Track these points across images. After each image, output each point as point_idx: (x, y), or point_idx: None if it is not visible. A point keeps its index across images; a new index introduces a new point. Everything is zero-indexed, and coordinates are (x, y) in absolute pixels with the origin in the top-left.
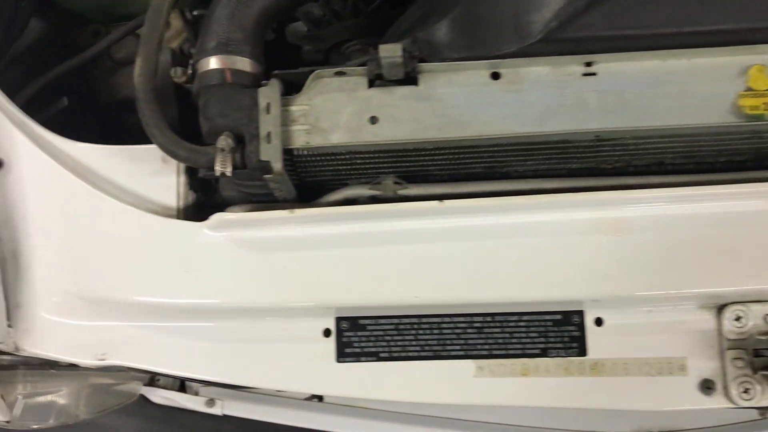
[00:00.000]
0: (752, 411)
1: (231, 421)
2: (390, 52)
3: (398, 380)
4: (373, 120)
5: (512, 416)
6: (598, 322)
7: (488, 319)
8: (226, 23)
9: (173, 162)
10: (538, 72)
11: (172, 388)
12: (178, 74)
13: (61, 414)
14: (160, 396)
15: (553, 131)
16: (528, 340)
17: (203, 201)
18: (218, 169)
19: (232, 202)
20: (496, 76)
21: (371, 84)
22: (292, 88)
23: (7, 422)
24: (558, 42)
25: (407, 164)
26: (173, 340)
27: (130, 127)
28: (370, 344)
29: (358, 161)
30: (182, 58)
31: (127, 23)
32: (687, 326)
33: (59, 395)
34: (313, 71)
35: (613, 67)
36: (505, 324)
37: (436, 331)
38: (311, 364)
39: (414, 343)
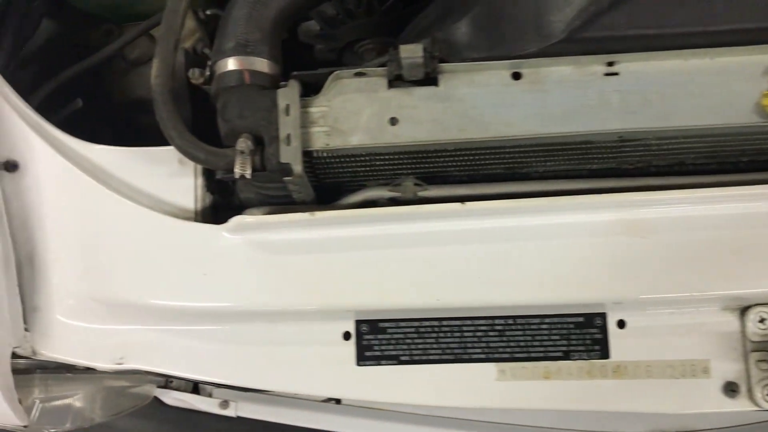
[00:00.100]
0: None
1: (245, 422)
2: (411, 52)
3: (419, 384)
4: (393, 121)
5: (525, 416)
6: (621, 324)
7: (510, 321)
8: (243, 24)
9: (190, 164)
10: (559, 72)
11: (185, 390)
12: (195, 76)
13: (77, 417)
14: (173, 398)
15: (575, 132)
16: (550, 343)
17: (220, 203)
18: (238, 171)
19: (249, 204)
20: (517, 76)
21: (390, 85)
22: (309, 89)
23: (25, 427)
24: (580, 42)
25: (427, 165)
26: (192, 343)
27: (144, 127)
28: (391, 347)
29: (378, 163)
30: (195, 59)
31: (141, 23)
32: (710, 328)
33: (75, 399)
34: (332, 72)
35: (635, 66)
36: (526, 327)
37: (457, 334)
38: (331, 368)
39: (435, 346)
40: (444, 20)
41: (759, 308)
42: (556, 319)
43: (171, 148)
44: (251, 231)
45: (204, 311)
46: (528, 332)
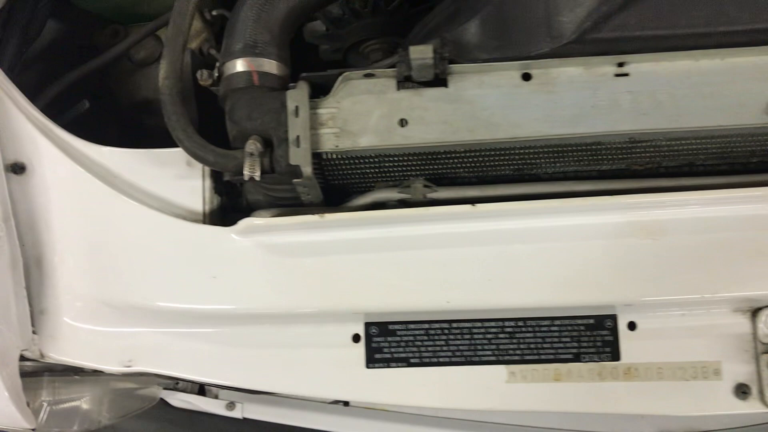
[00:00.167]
0: None
1: (251, 424)
2: (421, 53)
3: (429, 386)
4: (403, 122)
5: (533, 417)
6: (631, 326)
7: (520, 323)
8: (252, 25)
9: (198, 165)
10: (569, 73)
11: (191, 392)
12: (204, 77)
13: (84, 420)
14: (179, 399)
15: (585, 133)
16: (560, 345)
17: (227, 205)
18: (247, 173)
19: (257, 206)
20: (527, 77)
21: (400, 86)
22: (318, 90)
23: (33, 430)
24: (591, 42)
25: (435, 167)
26: (201, 346)
27: (150, 129)
28: (401, 350)
29: (387, 164)
30: (202, 60)
31: (148, 24)
32: (721, 330)
33: (82, 401)
34: (341, 73)
35: (645, 67)
36: (537, 329)
37: (467, 337)
38: (340, 370)
39: (445, 348)
40: (453, 21)
41: None
42: (566, 321)
43: (179, 149)
44: (260, 233)
45: (213, 314)
46: (538, 334)
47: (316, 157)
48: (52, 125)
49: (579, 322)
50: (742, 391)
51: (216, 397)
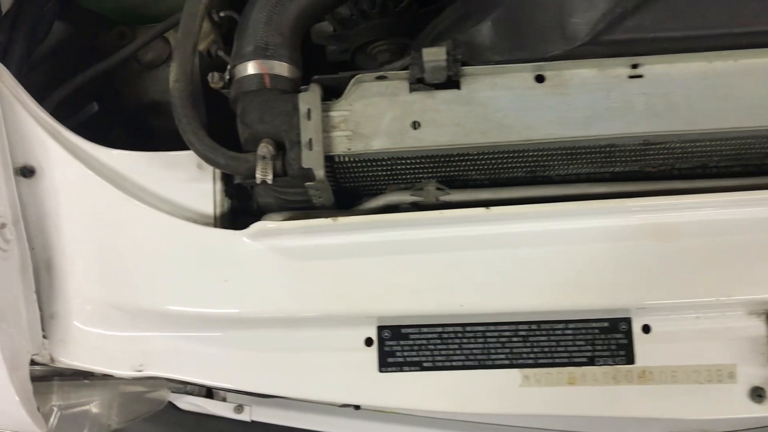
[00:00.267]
0: None
1: (259, 427)
2: (434, 55)
3: (442, 390)
4: (416, 125)
5: (544, 420)
6: (646, 329)
7: (534, 327)
8: (263, 27)
9: (209, 168)
10: (583, 75)
11: (199, 395)
12: (215, 80)
13: (94, 424)
14: (187, 402)
15: (599, 135)
16: (574, 348)
17: (237, 208)
18: (259, 176)
19: (268, 209)
20: (540, 79)
21: (412, 88)
22: (329, 93)
23: None
24: (605, 44)
25: (448, 169)
26: (213, 350)
27: (157, 131)
28: (414, 353)
29: (399, 167)
30: (210, 61)
31: (155, 25)
32: (736, 333)
33: (92, 405)
34: (353, 75)
35: (659, 69)
36: (551, 332)
37: (480, 340)
38: (353, 374)
39: (458, 352)
40: (464, 22)
41: None
42: (580, 325)
43: (189, 152)
44: (272, 237)
45: (225, 317)
46: (552, 338)
47: (329, 160)
48: (61, 128)
49: (593, 325)
50: (757, 394)
51: (224, 399)
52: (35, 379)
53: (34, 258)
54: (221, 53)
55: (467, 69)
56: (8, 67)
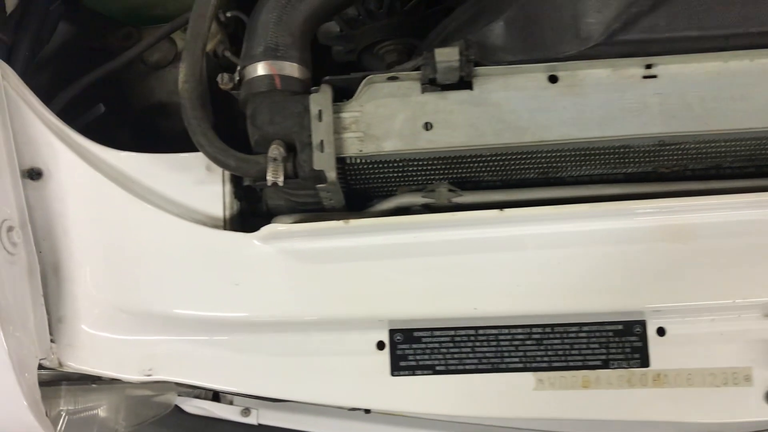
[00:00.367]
0: None
1: (267, 430)
2: (447, 56)
3: (455, 394)
4: (428, 126)
5: (558, 425)
6: (660, 332)
7: (547, 330)
8: (273, 28)
9: (218, 170)
10: (597, 75)
11: (205, 398)
12: (224, 81)
13: (102, 428)
14: (194, 406)
15: (615, 136)
16: (589, 352)
17: (246, 210)
18: (270, 178)
19: (277, 212)
20: (553, 79)
21: (424, 89)
22: (339, 94)
23: None
24: (619, 44)
25: (459, 170)
26: (223, 354)
27: (164, 132)
28: (426, 357)
29: (411, 168)
30: (216, 62)
31: (161, 26)
32: (752, 335)
33: (100, 409)
34: (364, 76)
35: (673, 69)
36: (564, 335)
37: (493, 343)
38: (365, 378)
39: (471, 355)
40: (476, 22)
41: None
42: (594, 327)
43: (198, 154)
44: (284, 239)
45: (236, 321)
46: (566, 341)
47: (340, 161)
48: (68, 130)
49: (607, 328)
50: None
51: (231, 403)
52: (43, 383)
53: (42, 261)
54: (228, 54)
55: (480, 69)
56: (13, 68)
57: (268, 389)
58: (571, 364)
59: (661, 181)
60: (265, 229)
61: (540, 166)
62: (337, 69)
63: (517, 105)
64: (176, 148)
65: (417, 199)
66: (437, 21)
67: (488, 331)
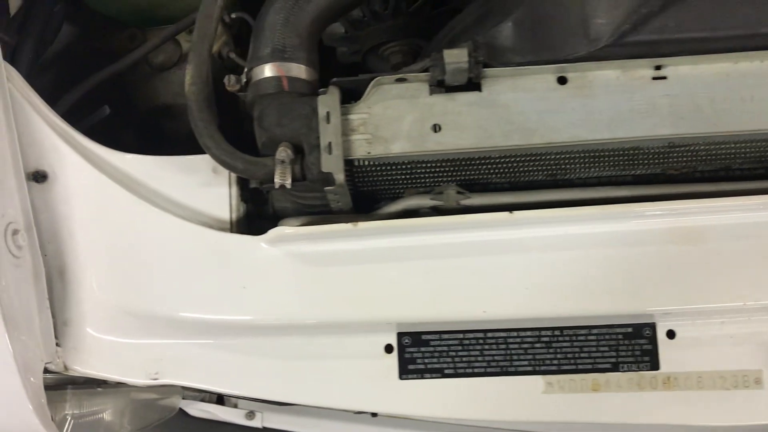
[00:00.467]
0: None
1: None
2: (456, 57)
3: (464, 397)
4: (436, 128)
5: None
6: (670, 334)
7: (557, 333)
8: (280, 29)
9: (225, 172)
10: (606, 76)
11: (210, 401)
12: (231, 83)
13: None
14: (198, 409)
15: (624, 138)
16: (598, 354)
17: (252, 212)
18: (278, 181)
19: (284, 214)
20: (562, 80)
21: (432, 90)
22: (347, 96)
23: None
24: (629, 45)
25: (468, 172)
26: (230, 358)
27: (168, 134)
28: (434, 360)
29: (419, 170)
30: (221, 63)
31: (165, 27)
32: (762, 338)
33: (105, 413)
34: (372, 78)
35: (683, 70)
36: (574, 338)
37: (502, 347)
38: (373, 382)
39: (480, 358)
40: (483, 23)
41: None
42: (604, 330)
43: (204, 156)
44: (291, 242)
45: (243, 325)
46: (576, 344)
47: (348, 164)
48: (73, 132)
49: (617, 330)
50: None
51: (235, 406)
52: (48, 387)
53: (47, 264)
54: (233, 55)
55: (488, 71)
56: (17, 70)
57: (276, 393)
58: (581, 367)
59: (670, 183)
60: (273, 232)
61: (548, 167)
62: (341, 70)
63: (525, 106)
64: (181, 150)
65: (425, 201)
66: (442, 22)
67: (497, 334)
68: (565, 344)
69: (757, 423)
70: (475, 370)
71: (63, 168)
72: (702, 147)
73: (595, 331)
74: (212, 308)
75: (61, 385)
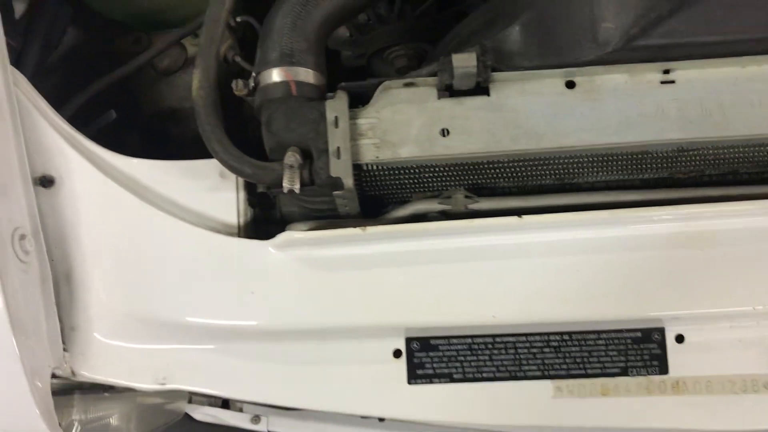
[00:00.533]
0: None
1: None
2: (464, 61)
3: (473, 402)
4: (444, 132)
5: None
6: (679, 339)
7: (566, 337)
8: (288, 33)
9: (232, 177)
10: (614, 80)
11: (215, 405)
12: (239, 87)
13: None
14: (203, 413)
15: (633, 142)
16: (607, 359)
17: (260, 216)
18: (287, 186)
19: (291, 218)
20: (571, 84)
21: (440, 95)
22: (355, 100)
23: None
24: (638, 49)
25: (476, 177)
26: (238, 363)
27: (174, 138)
28: (443, 365)
29: (427, 175)
30: (227, 67)
31: (171, 31)
32: None
33: (112, 418)
34: (380, 82)
35: (691, 74)
36: (583, 343)
37: (511, 351)
38: (381, 387)
39: (489, 363)
40: (491, 27)
41: None
42: (613, 335)
43: (211, 160)
44: (300, 247)
45: (252, 330)
46: (584, 348)
47: (356, 168)
48: (80, 137)
49: (626, 335)
50: None
51: (240, 410)
52: (56, 392)
53: (54, 269)
54: (239, 59)
55: (496, 75)
56: (22, 73)
57: (284, 398)
58: (590, 371)
59: (678, 187)
60: (282, 237)
61: (557, 172)
62: (345, 74)
63: (534, 111)
64: (187, 154)
65: (433, 205)
66: (448, 26)
67: (506, 339)
68: (574, 349)
69: (766, 428)
70: (484, 375)
71: (70, 173)
72: (710, 151)
73: (604, 335)
74: (220, 313)
75: (68, 391)
